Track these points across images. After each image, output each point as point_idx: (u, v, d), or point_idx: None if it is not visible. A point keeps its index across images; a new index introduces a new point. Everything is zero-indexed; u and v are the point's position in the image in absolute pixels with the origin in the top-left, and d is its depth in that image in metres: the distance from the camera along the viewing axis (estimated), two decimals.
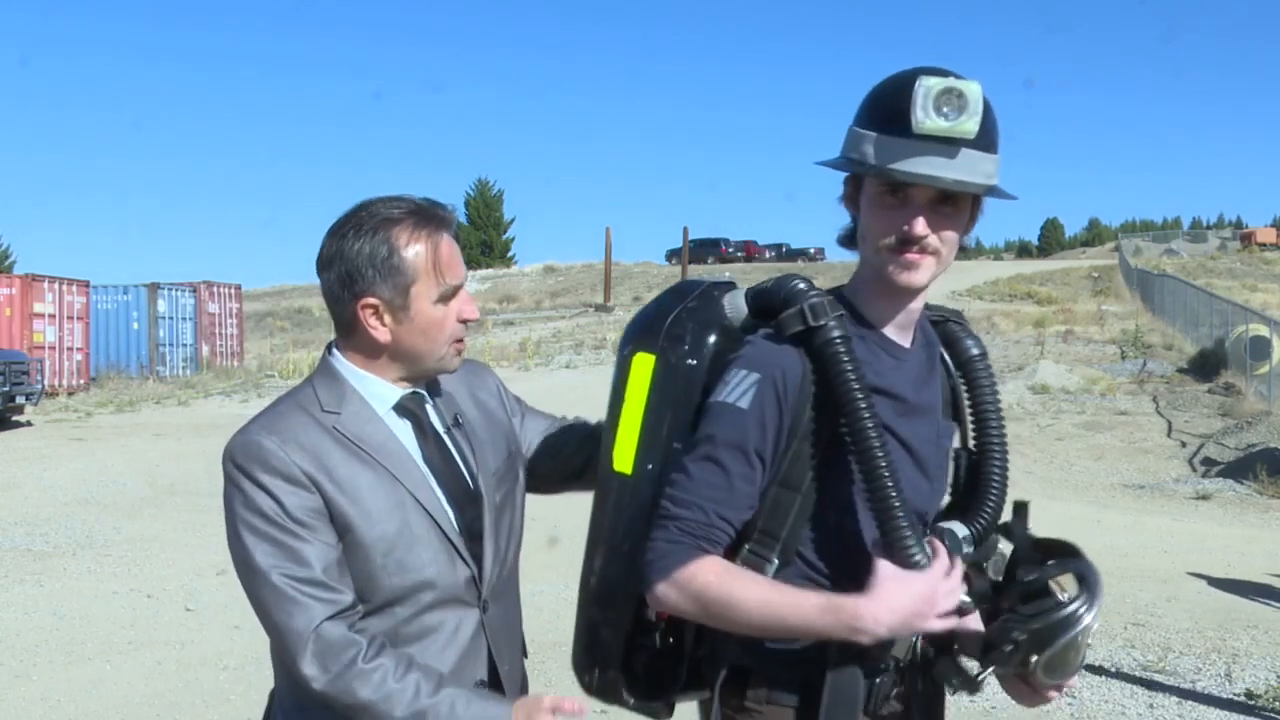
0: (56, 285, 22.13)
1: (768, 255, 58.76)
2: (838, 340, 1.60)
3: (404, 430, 1.76)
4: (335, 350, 1.77)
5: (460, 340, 1.77)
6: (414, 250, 1.69)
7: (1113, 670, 5.80)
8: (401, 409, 1.77)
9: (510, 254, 64.89)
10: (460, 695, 1.64)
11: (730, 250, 56.60)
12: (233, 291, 28.63)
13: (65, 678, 5.60)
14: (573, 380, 21.22)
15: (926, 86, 1.55)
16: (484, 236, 64.21)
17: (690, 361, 1.66)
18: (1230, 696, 5.40)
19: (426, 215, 1.72)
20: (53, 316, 21.82)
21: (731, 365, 1.64)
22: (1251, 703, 5.29)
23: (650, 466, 1.66)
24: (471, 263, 61.12)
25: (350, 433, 1.70)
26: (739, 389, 1.60)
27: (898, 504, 1.57)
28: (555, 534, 9.06)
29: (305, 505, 1.64)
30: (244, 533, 1.64)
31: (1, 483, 11.47)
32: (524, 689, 1.88)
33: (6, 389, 16.14)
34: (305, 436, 1.67)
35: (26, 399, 16.79)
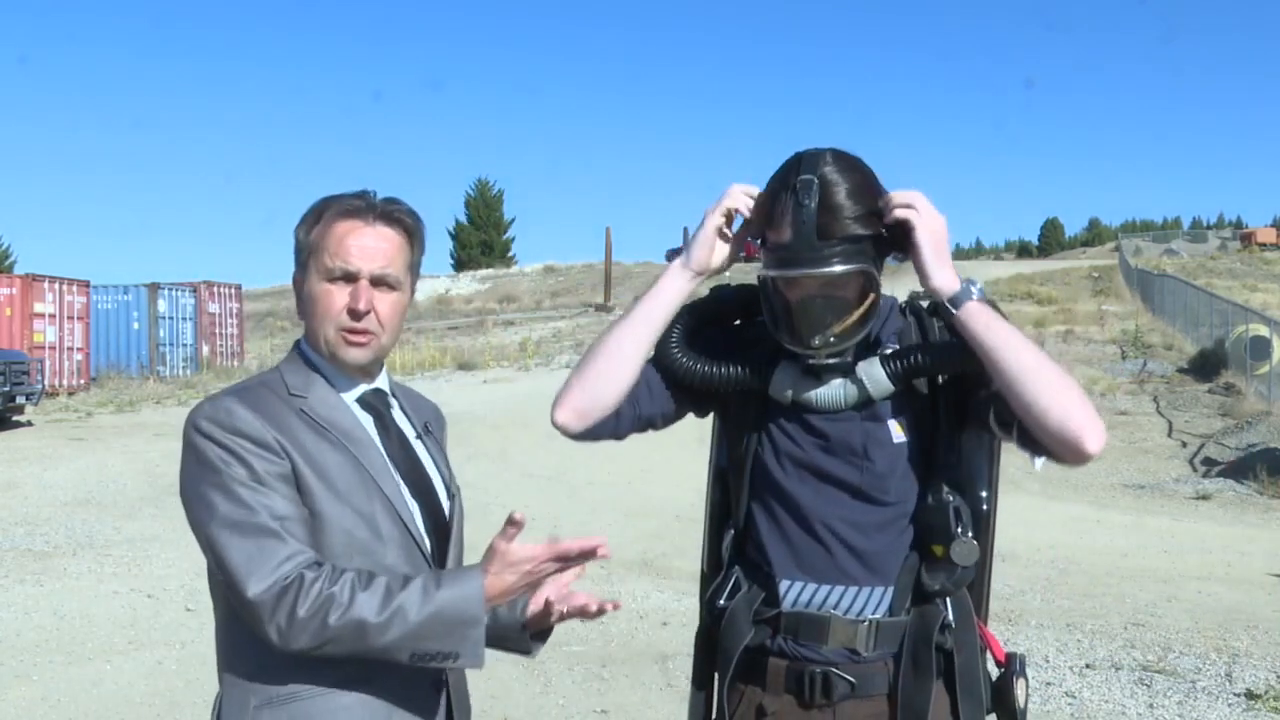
0: (56, 285, 22.12)
1: None
2: None
3: (367, 423, 1.77)
4: (303, 339, 1.80)
5: (351, 331, 1.72)
6: (315, 229, 1.74)
7: (1112, 670, 5.80)
8: (365, 403, 1.78)
9: (510, 254, 64.84)
10: (429, 579, 1.61)
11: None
12: (233, 291, 28.63)
13: (65, 678, 5.60)
14: None
15: None
16: (484, 236, 64.14)
17: None
18: (1230, 696, 5.40)
19: (345, 203, 1.74)
20: (53, 316, 21.82)
21: None
22: (1251, 702, 5.29)
23: None
24: (471, 263, 61.15)
25: (317, 415, 1.70)
26: None
27: None
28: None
29: (273, 470, 1.63)
30: (206, 491, 1.62)
31: (1, 483, 11.47)
32: (466, 699, 1.86)
33: (7, 389, 16.13)
34: (274, 411, 1.68)
35: (27, 399, 16.78)
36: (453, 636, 1.58)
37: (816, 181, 1.77)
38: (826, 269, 1.78)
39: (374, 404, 1.79)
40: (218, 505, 1.61)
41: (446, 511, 1.82)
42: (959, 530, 1.84)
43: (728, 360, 1.92)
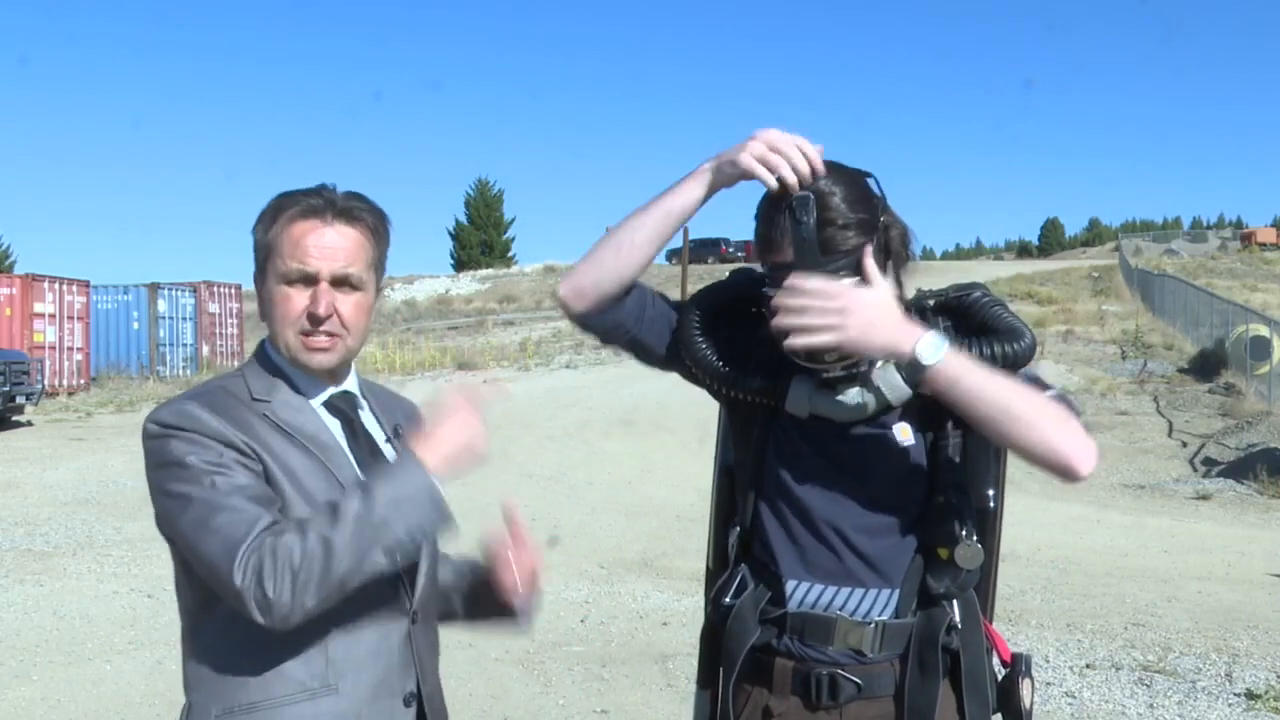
0: (56, 285, 22.14)
1: None
2: None
3: (334, 427, 1.72)
4: (267, 341, 1.74)
5: (310, 335, 1.66)
6: (274, 229, 1.67)
7: (1112, 670, 5.81)
8: (332, 407, 1.73)
9: (510, 254, 64.89)
10: (364, 479, 1.59)
11: (730, 250, 56.52)
12: (233, 291, 28.64)
13: (65, 678, 5.60)
14: (573, 380, 21.23)
15: None
16: (484, 236, 64.20)
17: None
18: (1230, 696, 5.40)
19: (302, 202, 1.67)
20: (53, 316, 21.83)
21: None
22: (1251, 702, 5.29)
23: None
24: (471, 263, 61.16)
25: (282, 420, 1.65)
26: None
27: None
28: (556, 534, 9.08)
29: (244, 464, 1.58)
30: (174, 486, 1.56)
31: (1, 483, 11.47)
32: (443, 713, 1.80)
33: (7, 389, 16.14)
34: (238, 415, 1.62)
35: (27, 399, 16.80)
36: (416, 509, 1.54)
37: (812, 197, 1.74)
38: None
39: (341, 408, 1.73)
40: (191, 496, 1.55)
41: None
42: (963, 533, 1.84)
43: (743, 367, 1.90)
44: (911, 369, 1.75)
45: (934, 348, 1.72)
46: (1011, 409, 1.72)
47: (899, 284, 1.90)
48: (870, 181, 1.83)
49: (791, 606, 1.88)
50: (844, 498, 1.87)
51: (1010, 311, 1.87)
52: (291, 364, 1.70)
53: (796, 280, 1.73)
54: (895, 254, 1.85)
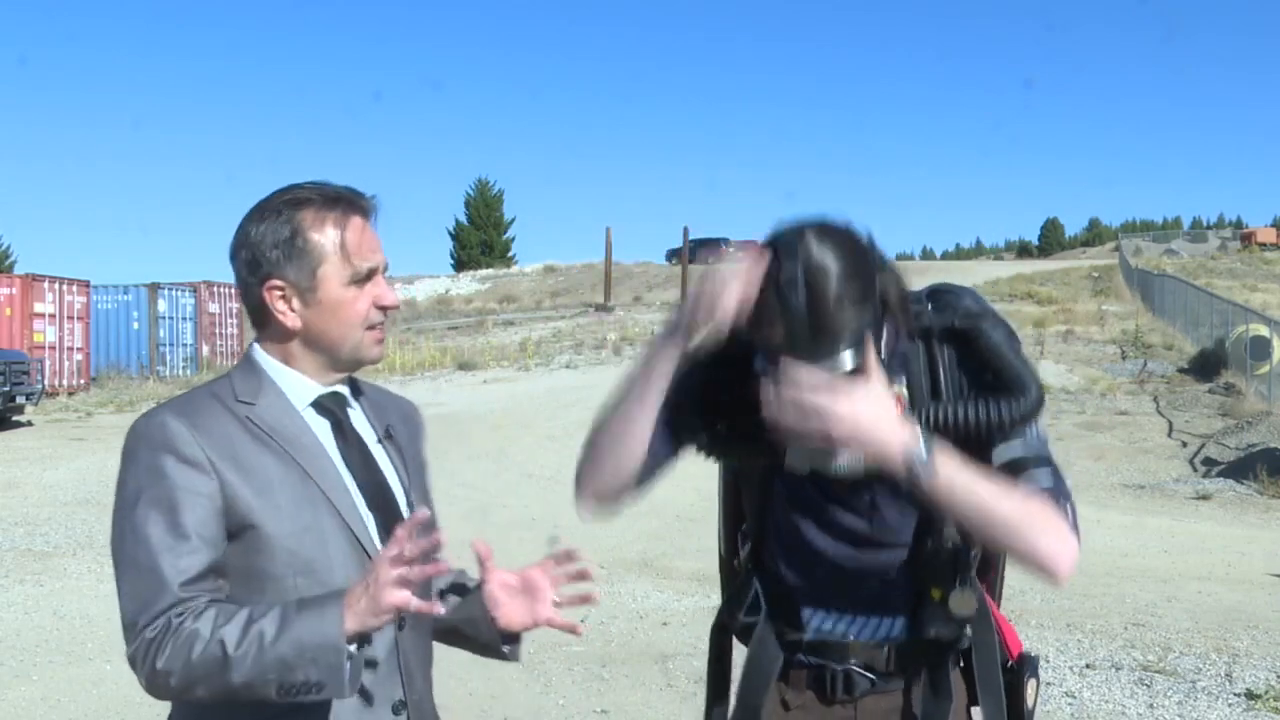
0: (56, 285, 22.16)
1: None
2: None
3: (323, 429, 1.68)
4: (256, 344, 1.71)
5: (376, 328, 1.68)
6: (321, 231, 1.64)
7: (1112, 670, 5.81)
8: (321, 407, 1.69)
9: (510, 254, 64.85)
10: (290, 606, 1.51)
11: (730, 250, 56.65)
12: (233, 291, 28.60)
13: (65, 678, 5.60)
14: (573, 380, 21.20)
15: None
16: (484, 236, 64.17)
17: None
18: (1230, 696, 5.40)
19: (336, 198, 1.66)
20: (53, 316, 21.84)
21: None
22: (1251, 702, 5.29)
23: None
24: (471, 263, 61.11)
25: (263, 423, 1.62)
26: None
27: None
28: (555, 534, 9.09)
29: (202, 489, 1.56)
30: (122, 517, 1.57)
31: (1, 483, 11.47)
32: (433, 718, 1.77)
33: (7, 389, 16.15)
34: (214, 422, 1.60)
35: (27, 399, 16.81)
36: (315, 665, 1.48)
37: (800, 275, 1.58)
38: (829, 369, 1.62)
39: (331, 408, 1.70)
40: (125, 536, 1.56)
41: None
42: (958, 579, 1.83)
43: (739, 432, 1.82)
44: (907, 482, 1.64)
45: (920, 459, 1.61)
46: (994, 516, 1.66)
47: (901, 318, 1.77)
48: (863, 240, 1.67)
49: (808, 635, 1.90)
50: (845, 543, 1.86)
51: (1018, 352, 1.77)
52: (352, 357, 1.69)
53: (788, 371, 1.60)
54: (891, 309, 1.73)
